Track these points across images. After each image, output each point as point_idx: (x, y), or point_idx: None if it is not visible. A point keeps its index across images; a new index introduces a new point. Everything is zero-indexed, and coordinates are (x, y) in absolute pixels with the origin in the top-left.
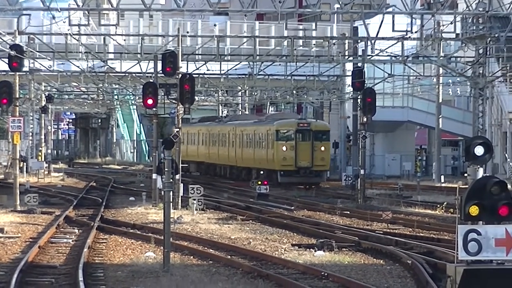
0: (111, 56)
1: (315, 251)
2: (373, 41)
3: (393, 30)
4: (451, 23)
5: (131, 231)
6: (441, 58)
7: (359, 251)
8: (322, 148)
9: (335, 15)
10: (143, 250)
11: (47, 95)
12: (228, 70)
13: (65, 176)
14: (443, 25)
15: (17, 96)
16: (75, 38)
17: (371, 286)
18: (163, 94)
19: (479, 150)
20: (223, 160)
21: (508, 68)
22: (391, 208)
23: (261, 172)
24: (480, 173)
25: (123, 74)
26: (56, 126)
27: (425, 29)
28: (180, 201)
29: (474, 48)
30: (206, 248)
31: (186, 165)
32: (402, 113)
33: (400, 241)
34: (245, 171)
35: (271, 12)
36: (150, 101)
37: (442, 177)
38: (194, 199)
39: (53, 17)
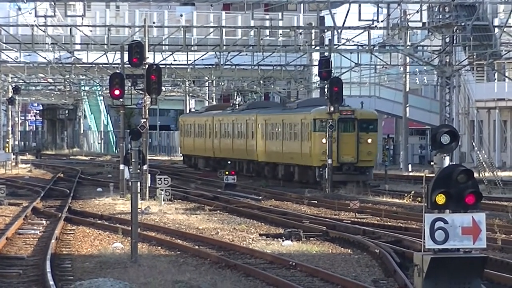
0: (77, 47)
1: (283, 240)
2: (339, 31)
3: (360, 20)
4: (418, 12)
5: (99, 222)
6: (407, 47)
7: (327, 241)
8: (369, 140)
9: (302, 4)
10: (110, 241)
11: (14, 86)
12: (195, 60)
13: (32, 168)
14: (409, 14)
15: None
16: (41, 29)
17: (339, 275)
18: (130, 84)
19: (445, 139)
20: (238, 154)
21: (474, 56)
22: (358, 197)
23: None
24: (447, 161)
25: (90, 65)
26: (23, 118)
27: (391, 18)
28: (147, 191)
29: (440, 37)
30: (173, 238)
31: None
32: (369, 102)
33: (368, 230)
34: (268, 167)
35: (238, 2)
36: (117, 92)
37: (410, 166)
38: (162, 190)
39: (19, 8)
